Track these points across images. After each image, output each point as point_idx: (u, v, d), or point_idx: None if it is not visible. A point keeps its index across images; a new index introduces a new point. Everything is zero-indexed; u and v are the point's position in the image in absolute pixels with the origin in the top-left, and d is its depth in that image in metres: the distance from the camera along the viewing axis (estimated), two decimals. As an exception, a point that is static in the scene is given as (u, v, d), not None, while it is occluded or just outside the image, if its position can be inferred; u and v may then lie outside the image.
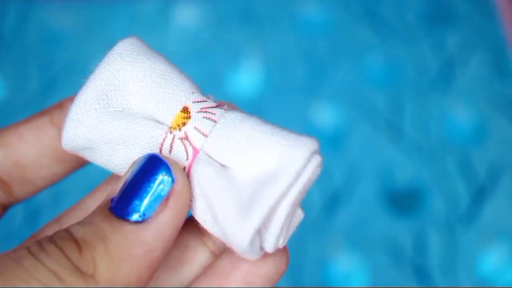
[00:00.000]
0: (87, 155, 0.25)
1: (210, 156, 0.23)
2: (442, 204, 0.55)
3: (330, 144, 0.58)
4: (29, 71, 0.62)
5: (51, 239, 0.21)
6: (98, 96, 0.24)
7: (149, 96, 0.24)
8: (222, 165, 0.23)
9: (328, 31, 0.64)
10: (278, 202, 0.22)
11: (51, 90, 0.61)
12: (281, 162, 0.22)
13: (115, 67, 0.24)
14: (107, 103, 0.24)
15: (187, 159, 0.23)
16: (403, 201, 0.55)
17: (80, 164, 0.28)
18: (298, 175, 0.22)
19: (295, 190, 0.22)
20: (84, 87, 0.24)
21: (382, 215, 0.55)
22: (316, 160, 0.23)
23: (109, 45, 0.26)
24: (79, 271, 0.20)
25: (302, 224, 0.23)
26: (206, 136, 0.23)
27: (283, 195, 0.22)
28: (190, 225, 0.25)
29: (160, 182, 0.22)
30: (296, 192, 0.22)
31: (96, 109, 0.24)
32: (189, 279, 0.25)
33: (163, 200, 0.22)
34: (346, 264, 0.53)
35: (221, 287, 0.23)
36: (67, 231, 0.21)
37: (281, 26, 0.65)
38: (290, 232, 0.23)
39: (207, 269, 0.24)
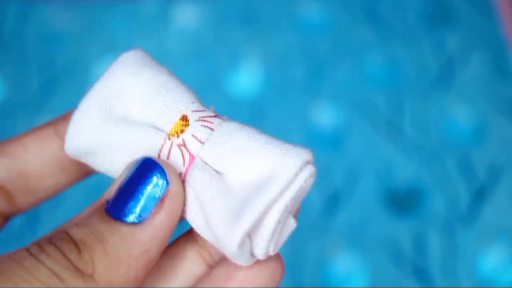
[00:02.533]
0: (89, 161, 0.25)
1: (206, 163, 0.23)
2: (442, 204, 0.55)
3: (330, 144, 0.58)
4: (29, 71, 0.62)
5: (50, 240, 0.21)
6: (101, 103, 0.25)
7: (150, 104, 0.25)
8: (217, 172, 0.23)
9: (328, 31, 0.64)
10: (268, 208, 0.22)
11: (51, 90, 0.61)
12: (273, 169, 0.22)
13: (119, 76, 0.25)
14: (109, 110, 0.25)
15: (184, 164, 0.23)
16: (403, 201, 0.55)
17: (83, 174, 0.28)
18: (289, 183, 0.22)
19: (286, 197, 0.22)
20: (88, 94, 0.25)
21: (382, 215, 0.55)
22: (309, 170, 0.23)
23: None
24: (79, 272, 0.21)
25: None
26: (202, 143, 0.23)
27: (274, 201, 0.22)
28: (187, 237, 0.25)
29: (155, 184, 0.22)
30: (287, 199, 0.22)
31: (99, 116, 0.24)
32: None
33: (159, 202, 0.22)
34: (346, 264, 0.53)
35: None
36: (65, 232, 0.22)
37: (281, 26, 0.65)
38: (282, 241, 0.23)
39: (202, 278, 0.24)
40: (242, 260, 0.23)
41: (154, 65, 0.26)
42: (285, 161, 0.22)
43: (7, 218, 0.28)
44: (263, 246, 0.22)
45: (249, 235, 0.22)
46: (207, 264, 0.25)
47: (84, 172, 0.28)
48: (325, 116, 0.60)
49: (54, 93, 0.60)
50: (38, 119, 0.59)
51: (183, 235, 0.26)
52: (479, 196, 0.55)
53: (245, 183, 0.23)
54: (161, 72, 0.25)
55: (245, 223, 0.21)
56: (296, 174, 0.22)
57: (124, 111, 0.25)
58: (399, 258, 0.53)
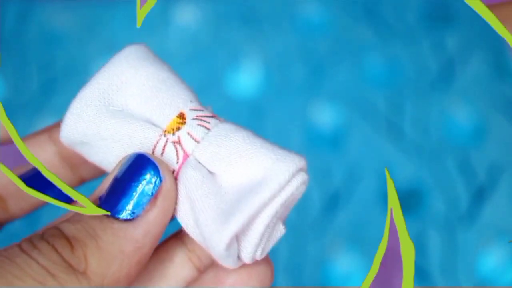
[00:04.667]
0: (83, 151, 0.25)
1: (199, 162, 0.23)
2: (442, 204, 0.55)
3: (330, 144, 0.58)
4: (29, 71, 0.62)
5: (42, 236, 0.21)
6: (100, 94, 0.24)
7: (148, 99, 0.24)
8: (210, 172, 0.23)
9: (328, 31, 0.64)
10: (258, 211, 0.22)
11: (51, 90, 0.61)
12: (266, 173, 0.22)
13: (120, 68, 0.25)
14: (107, 102, 0.24)
15: (177, 162, 0.23)
16: (403, 201, 0.55)
17: (77, 180, 0.28)
18: (281, 188, 0.22)
19: (277, 202, 0.22)
20: (87, 84, 0.25)
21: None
22: (302, 177, 0.23)
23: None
24: (71, 268, 0.21)
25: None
26: (198, 142, 0.23)
27: (264, 205, 0.22)
28: (176, 241, 0.25)
29: (149, 181, 0.22)
30: (278, 205, 0.22)
31: (96, 106, 0.24)
32: None
33: (152, 199, 0.22)
34: (346, 264, 0.53)
35: None
36: (57, 228, 0.22)
37: (281, 26, 0.65)
38: (270, 246, 0.23)
39: (192, 283, 0.25)
40: (228, 262, 0.23)
41: (155, 61, 0.26)
42: (278, 166, 0.22)
43: (1, 225, 0.28)
44: (250, 250, 0.22)
45: (237, 238, 0.22)
46: (197, 268, 0.25)
47: (78, 178, 0.28)
48: (325, 116, 0.60)
49: (54, 93, 0.60)
50: (38, 119, 0.59)
51: (173, 239, 0.26)
52: (479, 196, 0.55)
53: (237, 185, 0.23)
54: (162, 68, 0.25)
55: (234, 225, 0.21)
56: (289, 180, 0.22)
57: (122, 104, 0.24)
58: (399, 258, 0.53)
